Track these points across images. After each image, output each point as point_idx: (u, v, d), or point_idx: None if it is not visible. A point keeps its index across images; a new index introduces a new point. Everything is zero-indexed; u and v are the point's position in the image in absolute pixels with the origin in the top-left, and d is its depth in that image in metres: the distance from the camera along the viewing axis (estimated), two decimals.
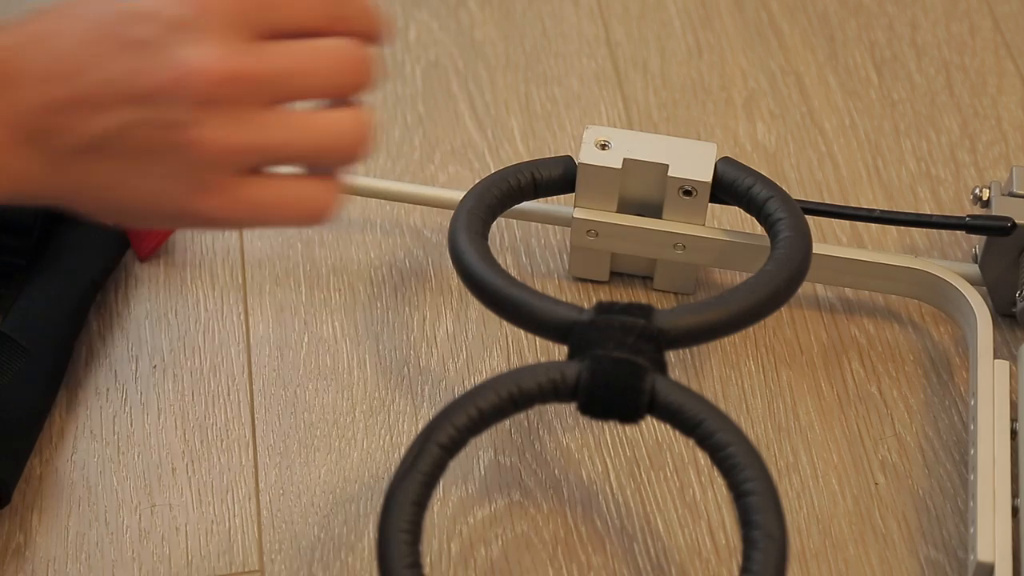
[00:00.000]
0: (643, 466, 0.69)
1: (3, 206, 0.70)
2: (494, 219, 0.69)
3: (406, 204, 0.77)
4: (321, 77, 0.51)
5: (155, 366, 0.72)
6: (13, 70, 0.50)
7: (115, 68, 0.49)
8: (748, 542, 0.58)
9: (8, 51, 0.50)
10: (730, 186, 0.69)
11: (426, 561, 0.66)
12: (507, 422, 0.70)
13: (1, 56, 0.50)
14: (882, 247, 0.77)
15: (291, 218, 0.52)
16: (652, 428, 0.70)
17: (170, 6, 0.50)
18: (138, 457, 0.69)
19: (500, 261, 0.74)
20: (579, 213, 0.72)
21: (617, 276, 0.76)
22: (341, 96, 0.52)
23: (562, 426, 0.70)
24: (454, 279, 0.75)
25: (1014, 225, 0.70)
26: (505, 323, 0.70)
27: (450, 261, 0.67)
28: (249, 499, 0.68)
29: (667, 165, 0.69)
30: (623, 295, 0.75)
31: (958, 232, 0.75)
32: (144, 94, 0.49)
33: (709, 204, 0.71)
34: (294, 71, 0.50)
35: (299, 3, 0.51)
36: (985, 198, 0.72)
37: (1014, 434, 0.66)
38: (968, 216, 0.71)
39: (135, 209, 0.51)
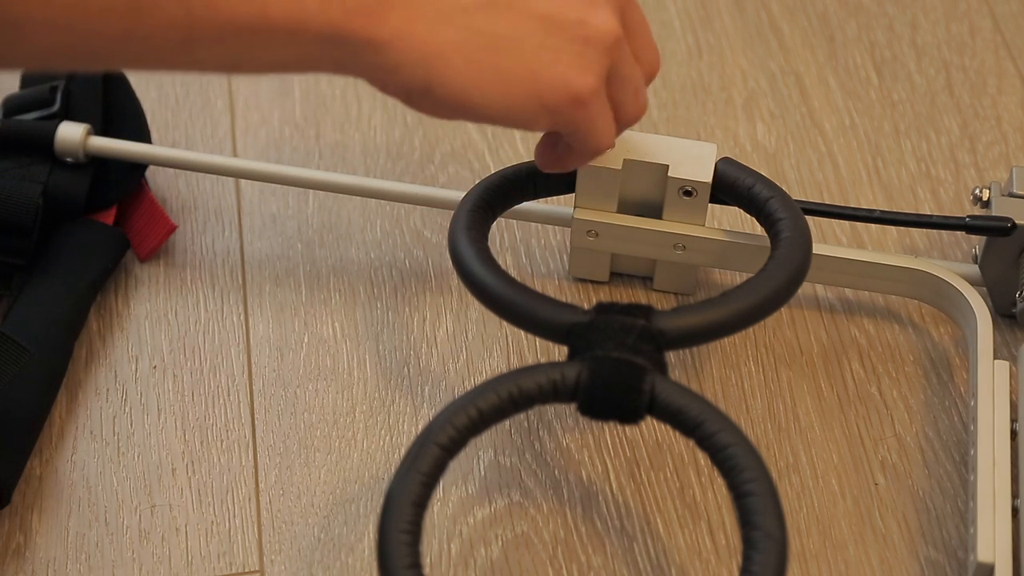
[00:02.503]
0: (643, 466, 0.69)
1: (3, 206, 0.71)
2: (494, 219, 0.69)
3: (406, 204, 0.77)
4: (645, 37, 0.64)
5: (155, 366, 0.72)
6: None
7: None
8: (748, 542, 0.58)
9: None
10: (730, 186, 0.69)
11: (426, 561, 0.66)
12: (507, 422, 0.70)
13: None
14: (882, 247, 0.77)
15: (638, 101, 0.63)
16: (652, 428, 0.70)
17: None
18: (138, 457, 0.69)
19: (500, 261, 0.74)
20: (579, 213, 0.72)
21: (617, 276, 0.76)
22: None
23: (562, 426, 0.70)
24: (454, 279, 0.75)
25: (1014, 225, 0.70)
26: (505, 324, 0.70)
27: (450, 261, 0.67)
28: (249, 500, 0.68)
29: (667, 165, 0.69)
30: (623, 295, 0.75)
31: (958, 232, 0.75)
32: None
33: (709, 204, 0.71)
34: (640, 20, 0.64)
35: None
36: (985, 198, 0.72)
37: (1014, 434, 0.66)
38: (968, 216, 0.71)
39: (507, 71, 0.58)
